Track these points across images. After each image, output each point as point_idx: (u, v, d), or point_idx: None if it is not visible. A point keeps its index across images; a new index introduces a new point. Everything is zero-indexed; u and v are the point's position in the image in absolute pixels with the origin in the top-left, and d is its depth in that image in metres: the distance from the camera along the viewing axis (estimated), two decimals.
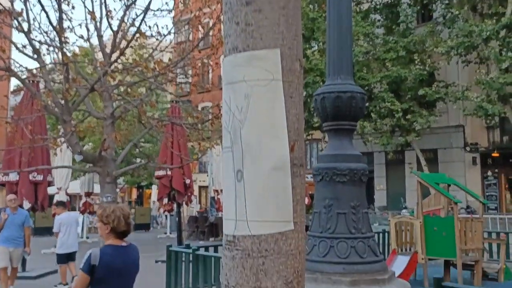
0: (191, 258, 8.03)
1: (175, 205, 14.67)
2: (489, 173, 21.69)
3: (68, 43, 6.14)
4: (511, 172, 21.25)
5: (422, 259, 9.21)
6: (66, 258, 9.83)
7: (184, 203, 14.75)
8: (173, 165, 11.79)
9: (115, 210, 3.63)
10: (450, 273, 9.46)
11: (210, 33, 7.48)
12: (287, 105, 1.42)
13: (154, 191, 35.46)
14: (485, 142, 21.74)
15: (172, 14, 9.74)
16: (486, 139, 21.74)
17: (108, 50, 6.78)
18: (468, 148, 21.97)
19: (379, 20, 21.67)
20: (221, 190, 18.25)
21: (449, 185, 11.29)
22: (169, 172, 13.04)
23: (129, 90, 7.59)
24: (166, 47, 7.41)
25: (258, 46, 1.43)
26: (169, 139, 9.21)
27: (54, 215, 15.00)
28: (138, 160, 17.17)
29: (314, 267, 4.18)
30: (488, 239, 11.30)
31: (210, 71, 9.13)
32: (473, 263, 9.29)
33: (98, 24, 6.73)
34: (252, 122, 1.41)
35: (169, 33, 7.15)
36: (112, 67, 6.63)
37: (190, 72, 8.13)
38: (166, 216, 24.90)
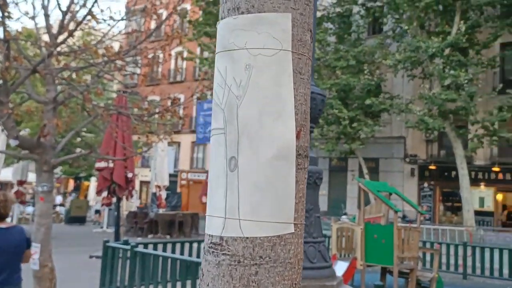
0: (129, 255, 7.72)
1: (114, 199, 14.14)
2: (426, 184, 22.57)
3: (11, 18, 5.68)
4: (446, 185, 22.21)
5: (361, 265, 9.36)
6: None
7: (124, 197, 14.26)
8: (116, 157, 11.33)
9: None
10: (386, 280, 9.68)
11: (164, 24, 7.19)
12: (296, 82, 1.20)
13: (93, 183, 34.23)
14: (423, 155, 22.61)
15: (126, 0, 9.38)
16: (425, 151, 22.63)
17: (55, 31, 6.34)
18: (407, 159, 22.76)
19: (331, 29, 22.04)
20: (164, 186, 17.88)
21: (390, 194, 11.58)
22: (110, 165, 12.53)
23: (73, 76, 7.15)
24: (119, 33, 7.04)
25: (265, 8, 1.19)
26: (114, 129, 8.80)
27: None
28: (79, 150, 16.42)
29: None
30: (423, 249, 11.67)
31: (161, 63, 8.85)
32: (408, 271, 9.54)
33: (45, 1, 6.29)
34: (253, 98, 1.17)
35: (122, 19, 6.79)
36: (59, 48, 6.21)
37: (140, 61, 7.80)
38: (97, 210, 24.24)
